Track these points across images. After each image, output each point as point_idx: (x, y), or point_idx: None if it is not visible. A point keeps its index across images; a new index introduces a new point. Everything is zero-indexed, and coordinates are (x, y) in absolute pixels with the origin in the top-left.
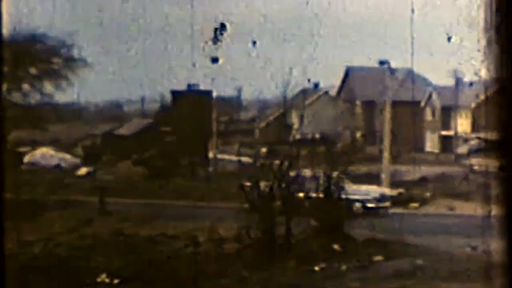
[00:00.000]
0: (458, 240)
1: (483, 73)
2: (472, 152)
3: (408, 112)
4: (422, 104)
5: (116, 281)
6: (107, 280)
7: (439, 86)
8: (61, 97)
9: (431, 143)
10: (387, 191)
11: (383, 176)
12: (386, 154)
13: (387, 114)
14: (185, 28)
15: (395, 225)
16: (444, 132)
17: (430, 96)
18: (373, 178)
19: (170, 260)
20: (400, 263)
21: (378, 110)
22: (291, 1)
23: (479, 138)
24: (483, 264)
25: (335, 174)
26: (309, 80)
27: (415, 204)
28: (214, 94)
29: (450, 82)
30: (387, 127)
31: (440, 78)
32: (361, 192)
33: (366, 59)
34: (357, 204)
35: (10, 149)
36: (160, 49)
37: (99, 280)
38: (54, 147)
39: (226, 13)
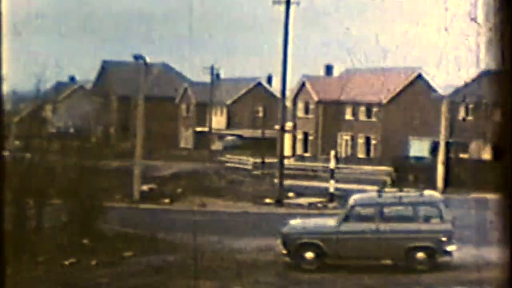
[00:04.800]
0: (209, 237)
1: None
2: (226, 149)
3: (163, 108)
4: (177, 100)
5: None
6: None
7: (195, 82)
8: None
9: (185, 139)
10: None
11: (135, 171)
12: (138, 149)
13: (140, 109)
14: None
15: (146, 220)
16: (198, 128)
17: (185, 92)
18: (125, 173)
19: None
20: (150, 259)
21: (133, 106)
22: None
23: (234, 134)
24: (235, 262)
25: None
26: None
27: (167, 200)
28: None
29: (206, 78)
30: (140, 123)
31: (196, 73)
32: None
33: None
34: None
35: None
36: None
37: None
38: None
39: None
